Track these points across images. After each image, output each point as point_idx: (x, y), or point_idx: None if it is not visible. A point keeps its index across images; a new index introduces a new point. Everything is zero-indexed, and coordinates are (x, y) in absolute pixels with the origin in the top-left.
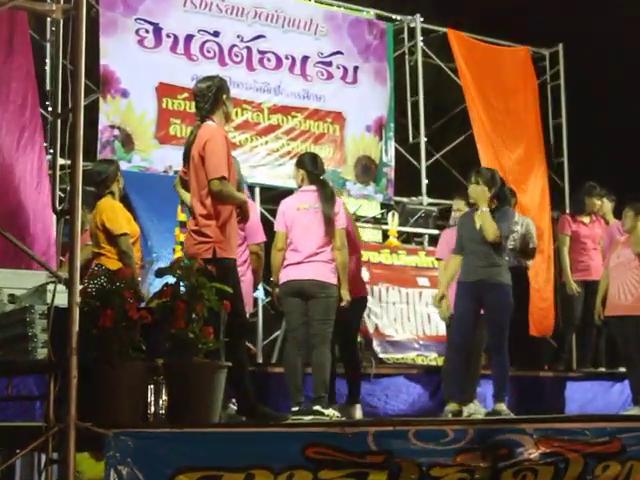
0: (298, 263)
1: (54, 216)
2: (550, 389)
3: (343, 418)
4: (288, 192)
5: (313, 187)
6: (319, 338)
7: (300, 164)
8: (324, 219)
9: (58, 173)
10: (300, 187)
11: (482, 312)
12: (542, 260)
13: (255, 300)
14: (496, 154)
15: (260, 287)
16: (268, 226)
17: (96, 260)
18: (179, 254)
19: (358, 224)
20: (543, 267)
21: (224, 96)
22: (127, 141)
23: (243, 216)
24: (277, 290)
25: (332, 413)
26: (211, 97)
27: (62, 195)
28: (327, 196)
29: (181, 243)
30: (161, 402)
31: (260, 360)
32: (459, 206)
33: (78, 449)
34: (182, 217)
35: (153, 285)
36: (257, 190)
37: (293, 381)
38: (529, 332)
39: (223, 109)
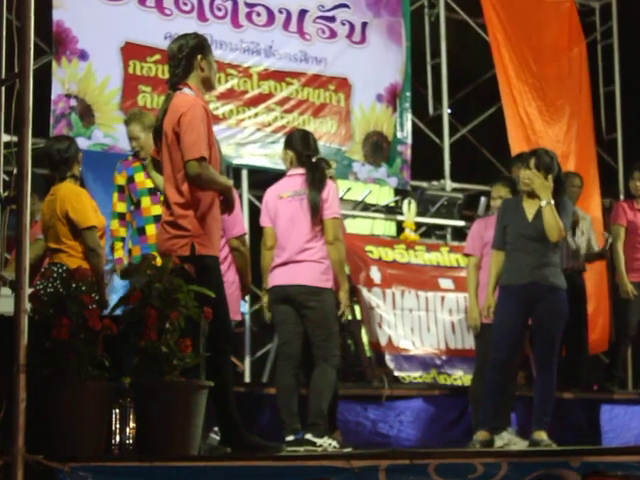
0: (283, 264)
1: None
2: (600, 414)
3: (349, 449)
4: (282, 176)
5: (301, 170)
6: (321, 356)
7: (288, 144)
8: (310, 208)
9: (2, 152)
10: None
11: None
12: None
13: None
14: (528, 130)
15: None
16: (256, 217)
17: (54, 258)
18: (120, 253)
19: (367, 214)
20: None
21: (198, 57)
22: (86, 113)
23: (227, 205)
24: (265, 298)
25: (327, 443)
26: (182, 60)
27: (6, 179)
28: (315, 180)
29: (122, 239)
30: (128, 430)
31: (248, 379)
32: (500, 193)
33: None
34: (120, 207)
35: (117, 290)
36: (244, 173)
37: (286, 405)
38: (588, 348)
39: (199, 74)
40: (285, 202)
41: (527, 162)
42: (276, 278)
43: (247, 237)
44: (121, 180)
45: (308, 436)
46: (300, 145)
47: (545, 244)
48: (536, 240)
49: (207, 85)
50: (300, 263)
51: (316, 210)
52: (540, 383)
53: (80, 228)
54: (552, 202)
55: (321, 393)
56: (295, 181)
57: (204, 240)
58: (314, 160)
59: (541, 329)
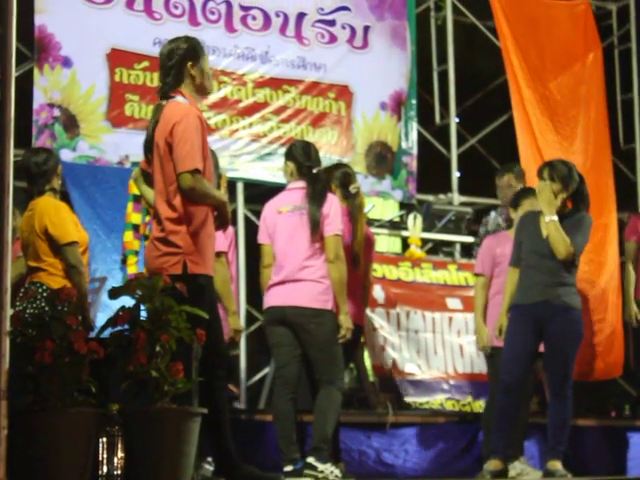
0: (281, 283)
1: None
2: (623, 442)
3: None
4: (279, 189)
5: (301, 183)
6: (325, 380)
7: (289, 155)
8: (310, 224)
9: None
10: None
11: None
12: (600, 280)
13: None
14: (539, 141)
15: (242, 313)
16: (253, 233)
17: (34, 277)
18: (134, 269)
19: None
20: (603, 289)
21: (189, 64)
22: (70, 124)
23: (222, 221)
24: None
25: (329, 470)
26: (172, 68)
27: None
28: (316, 194)
29: (136, 253)
30: (116, 460)
31: (244, 405)
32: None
33: None
34: (135, 218)
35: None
36: (239, 186)
37: (284, 433)
38: None
39: (191, 81)
40: (284, 217)
41: (541, 173)
42: (272, 298)
43: (242, 256)
44: (137, 189)
45: (310, 460)
46: (301, 156)
47: (559, 262)
48: (549, 258)
49: (201, 92)
50: (298, 282)
51: (316, 226)
52: (554, 410)
53: (60, 244)
54: (556, 218)
55: (326, 416)
56: (295, 195)
57: (197, 258)
58: (315, 172)
59: (553, 351)
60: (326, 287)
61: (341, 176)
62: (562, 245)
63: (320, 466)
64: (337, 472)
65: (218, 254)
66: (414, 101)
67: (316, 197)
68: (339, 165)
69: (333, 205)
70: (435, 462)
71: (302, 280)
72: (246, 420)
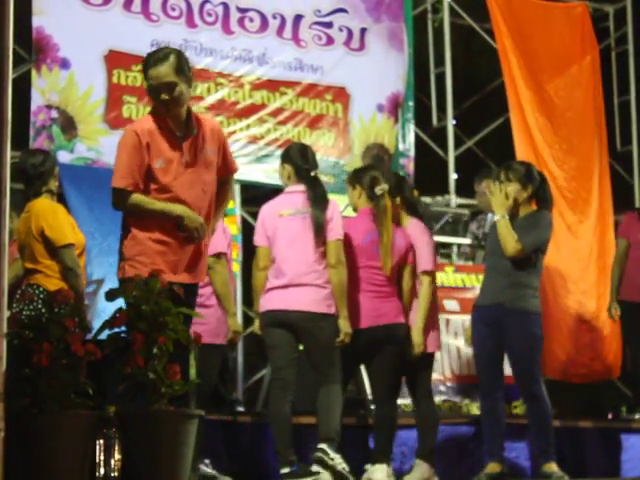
0: (283, 287)
1: None
2: (614, 443)
3: None
4: (276, 191)
5: (301, 187)
6: (328, 381)
7: (286, 158)
8: (314, 228)
9: None
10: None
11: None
12: (598, 281)
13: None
14: (536, 143)
15: (239, 315)
16: (250, 235)
17: (30, 279)
18: None
19: None
20: (600, 290)
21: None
22: (68, 125)
23: (189, 235)
24: (257, 322)
25: (338, 461)
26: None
27: None
28: (318, 197)
29: None
30: (113, 462)
31: (241, 407)
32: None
33: None
34: None
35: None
36: (237, 188)
37: (281, 435)
38: None
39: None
40: (286, 220)
41: (498, 175)
42: (274, 302)
43: (240, 257)
44: None
45: (323, 446)
46: (299, 159)
47: (516, 263)
48: (506, 258)
49: (160, 103)
50: (303, 287)
51: (320, 230)
52: (532, 414)
53: (56, 246)
54: (504, 216)
55: (332, 410)
56: (296, 198)
57: (135, 263)
58: (313, 175)
59: (514, 358)
60: (329, 292)
61: (369, 179)
62: (509, 242)
63: (332, 454)
64: (345, 465)
65: (218, 255)
66: (411, 103)
67: (318, 201)
68: (368, 168)
69: (335, 210)
70: None
71: (307, 285)
72: (243, 422)
